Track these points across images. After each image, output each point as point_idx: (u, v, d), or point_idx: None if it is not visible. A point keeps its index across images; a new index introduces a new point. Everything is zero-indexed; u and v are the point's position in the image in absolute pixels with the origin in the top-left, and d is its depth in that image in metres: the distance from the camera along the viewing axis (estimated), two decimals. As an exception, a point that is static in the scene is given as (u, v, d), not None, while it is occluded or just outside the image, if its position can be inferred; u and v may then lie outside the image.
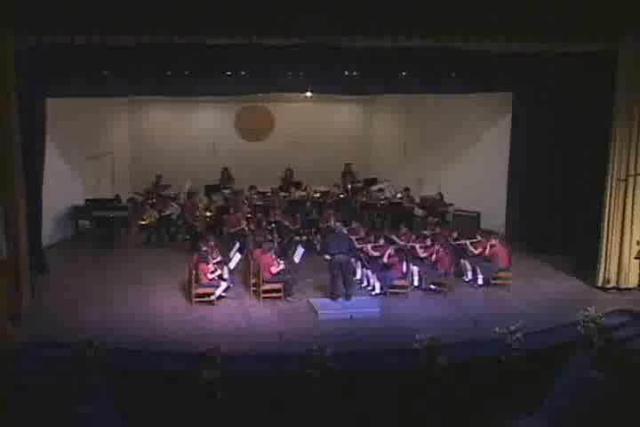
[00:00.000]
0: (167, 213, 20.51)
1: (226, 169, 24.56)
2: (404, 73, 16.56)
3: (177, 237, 20.57)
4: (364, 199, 22.60)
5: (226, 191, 22.91)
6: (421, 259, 16.67)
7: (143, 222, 20.15)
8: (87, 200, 20.75)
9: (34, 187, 15.43)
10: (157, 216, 20.17)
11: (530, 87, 18.53)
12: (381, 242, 16.64)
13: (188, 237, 19.76)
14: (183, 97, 22.84)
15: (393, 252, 16.03)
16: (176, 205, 20.97)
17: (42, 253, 16.76)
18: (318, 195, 22.86)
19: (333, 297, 15.24)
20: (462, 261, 17.11)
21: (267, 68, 15.75)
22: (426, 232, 18.06)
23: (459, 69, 16.46)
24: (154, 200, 21.44)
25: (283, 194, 22.72)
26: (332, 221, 18.79)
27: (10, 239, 13.78)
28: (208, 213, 20.21)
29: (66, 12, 13.39)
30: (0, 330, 12.79)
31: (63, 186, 19.51)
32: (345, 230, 16.73)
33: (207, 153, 25.14)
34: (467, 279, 16.95)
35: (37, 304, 14.61)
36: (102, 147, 22.59)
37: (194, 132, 25.52)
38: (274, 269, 15.42)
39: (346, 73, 16.48)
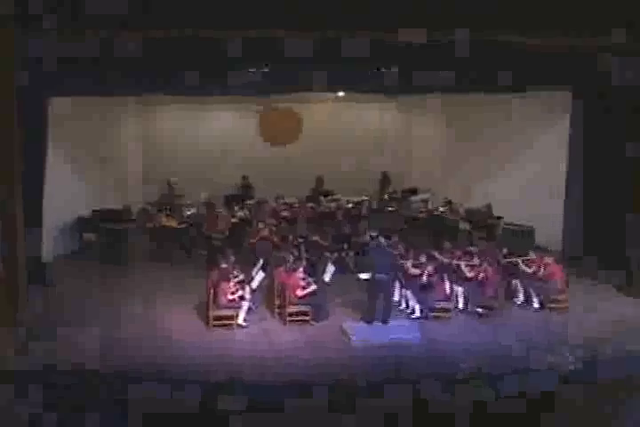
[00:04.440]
0: (184, 225, 20.71)
1: (245, 178, 24.74)
2: (446, 70, 16.61)
3: (192, 252, 20.77)
4: (404, 211, 22.65)
5: (249, 202, 23.08)
6: (467, 279, 16.68)
7: (166, 224, 20.34)
8: (94, 211, 21.06)
9: (34, 197, 15.72)
10: (174, 226, 20.37)
11: (591, 86, 18.42)
12: (422, 259, 16.69)
13: (205, 252, 19.94)
14: (199, 97, 23.07)
15: (434, 270, 16.09)
16: (190, 212, 21.18)
17: (43, 269, 17.02)
18: (351, 206, 22.96)
19: (368, 321, 15.34)
20: (513, 281, 17.11)
21: (293, 65, 15.88)
22: (472, 249, 18.06)
23: (507, 65, 16.46)
24: (167, 211, 21.63)
25: (311, 205, 22.87)
26: (368, 236, 18.86)
27: (5, 252, 14.04)
28: (229, 227, 20.36)
29: (70, 6, 13.59)
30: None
31: (67, 196, 19.79)
32: (387, 245, 16.75)
33: (226, 159, 25.40)
34: (518, 302, 16.94)
35: (37, 324, 14.79)
36: (111, 151, 22.89)
37: (211, 136, 25.79)
38: (300, 293, 15.52)
39: (382, 70, 16.59)
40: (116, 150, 23.47)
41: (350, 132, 26.45)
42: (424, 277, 16.02)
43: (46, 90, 15.80)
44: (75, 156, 20.31)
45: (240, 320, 15.25)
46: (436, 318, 15.88)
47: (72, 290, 17.39)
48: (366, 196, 24.01)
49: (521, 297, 16.97)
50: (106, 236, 20.28)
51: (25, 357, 13.37)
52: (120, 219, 20.76)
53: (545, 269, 16.67)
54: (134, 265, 19.96)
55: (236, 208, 21.90)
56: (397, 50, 15.58)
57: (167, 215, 20.75)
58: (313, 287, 15.62)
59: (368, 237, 19.06)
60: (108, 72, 15.51)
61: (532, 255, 17.26)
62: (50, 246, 18.50)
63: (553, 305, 16.50)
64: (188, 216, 21.20)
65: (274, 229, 19.95)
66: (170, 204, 22.82)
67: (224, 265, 15.95)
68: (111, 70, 15.45)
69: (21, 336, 13.87)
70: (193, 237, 20.83)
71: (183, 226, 20.66)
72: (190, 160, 25.24)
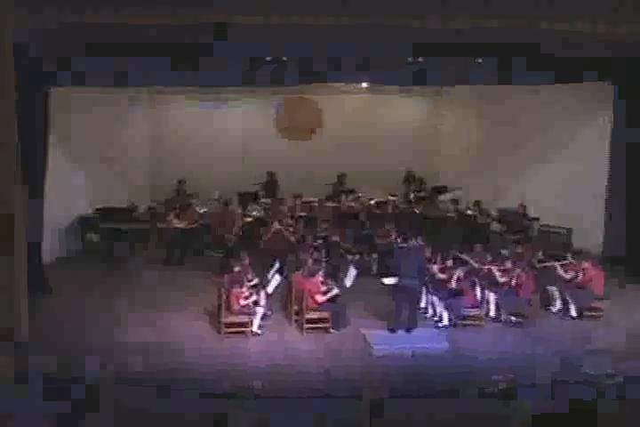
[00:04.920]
0: (195, 225, 20.80)
1: (271, 175, 24.79)
2: (479, 60, 16.58)
3: (203, 254, 20.85)
4: (431, 211, 22.63)
5: (265, 201, 23.13)
6: (499, 284, 16.63)
7: (177, 225, 20.42)
8: (97, 210, 21.16)
9: (34, 193, 15.79)
10: (183, 226, 20.47)
11: (635, 76, 18.33)
12: (451, 263, 16.71)
13: (218, 252, 19.98)
14: (212, 87, 23.14)
15: (463, 275, 16.09)
16: (205, 209, 21.28)
17: (43, 272, 17.11)
18: (375, 205, 22.98)
19: (392, 328, 15.35)
20: (549, 287, 17.08)
21: (314, 53, 15.89)
22: (505, 252, 18.04)
23: (546, 55, 16.40)
24: (177, 210, 21.67)
25: (332, 204, 22.89)
26: (392, 237, 18.88)
27: (3, 255, 14.07)
28: (243, 228, 20.43)
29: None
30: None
31: (69, 193, 19.95)
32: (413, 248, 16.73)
33: (240, 155, 25.47)
34: (554, 310, 16.91)
35: (37, 331, 14.80)
36: (117, 147, 23.01)
37: (225, 131, 25.87)
38: (320, 298, 15.55)
39: (409, 59, 16.59)
40: (122, 145, 23.58)
41: (374, 126, 26.47)
42: (453, 283, 16.02)
43: (46, 79, 15.88)
44: (77, 151, 20.43)
45: (254, 327, 15.29)
46: (466, 326, 15.88)
47: (73, 295, 17.50)
48: (393, 195, 24.00)
49: (557, 305, 16.94)
50: (109, 236, 20.40)
51: (24, 370, 13.46)
52: (125, 218, 20.86)
53: (583, 275, 16.60)
54: (140, 268, 20.06)
55: (249, 208, 21.92)
56: (427, 37, 15.55)
57: (177, 215, 20.81)
58: (334, 292, 15.63)
59: (393, 239, 19.05)
60: (113, 60, 15.55)
61: (570, 259, 17.22)
62: (50, 248, 18.58)
63: (592, 314, 16.45)
64: (201, 215, 21.24)
65: (291, 229, 19.96)
66: (180, 203, 22.86)
67: (237, 268, 16.01)
68: (116, 58, 15.50)
69: (22, 350, 13.91)
70: (204, 237, 20.86)
71: (194, 225, 20.70)
72: (202, 156, 25.31)
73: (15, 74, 13.81)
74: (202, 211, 21.61)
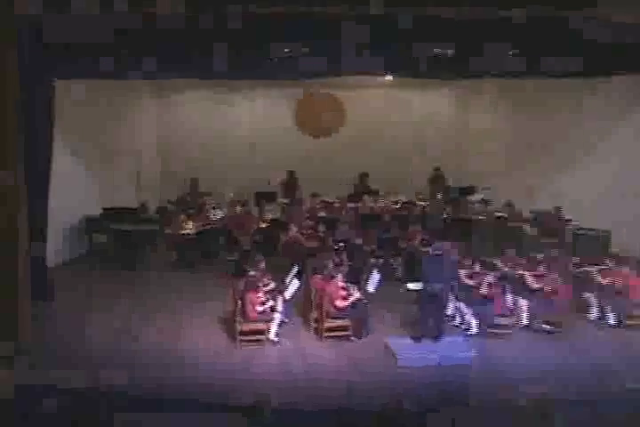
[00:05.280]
0: (209, 226, 20.80)
1: (291, 174, 24.79)
2: (511, 52, 16.49)
3: (218, 255, 20.87)
4: (459, 213, 22.58)
5: (283, 201, 23.12)
6: (532, 291, 16.58)
7: (184, 231, 20.45)
8: (105, 210, 21.18)
9: (38, 193, 15.82)
10: (195, 230, 20.48)
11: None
12: (479, 268, 16.67)
13: (233, 257, 20.00)
14: (226, 80, 23.14)
15: (493, 280, 16.02)
16: (219, 215, 21.26)
17: (46, 276, 17.15)
18: (399, 206, 22.94)
19: (417, 337, 15.29)
20: (586, 294, 17.00)
21: (335, 44, 15.84)
22: (538, 256, 17.96)
23: (580, 46, 16.28)
24: (190, 210, 21.68)
25: (354, 205, 22.86)
26: (419, 240, 18.83)
27: (5, 258, 14.09)
28: (260, 227, 20.42)
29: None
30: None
31: (75, 192, 19.98)
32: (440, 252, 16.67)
33: (257, 152, 25.49)
34: (591, 318, 16.83)
35: (40, 339, 14.89)
36: (125, 144, 23.06)
37: (240, 126, 25.89)
38: (340, 304, 15.50)
39: (436, 50, 16.53)
40: (129, 142, 23.66)
41: (399, 122, 26.44)
42: (482, 289, 15.96)
43: (50, 72, 15.88)
44: (83, 147, 20.50)
45: (271, 335, 15.27)
46: (496, 335, 15.79)
47: (78, 300, 17.53)
48: (422, 196, 23.94)
49: (594, 312, 16.86)
50: (117, 238, 20.43)
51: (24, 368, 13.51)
52: (134, 219, 20.90)
53: (623, 281, 16.51)
54: (150, 271, 20.12)
55: (266, 208, 21.92)
56: (454, 27, 15.49)
57: (189, 216, 20.82)
58: (356, 296, 15.56)
59: (418, 242, 18.99)
60: (120, 51, 15.52)
61: (608, 264, 17.12)
62: (55, 250, 18.62)
63: (631, 322, 16.34)
64: (214, 221, 21.20)
65: (310, 231, 19.94)
66: (193, 202, 22.89)
67: (253, 272, 15.98)
68: (124, 49, 15.47)
69: (22, 364, 13.92)
70: (218, 239, 20.88)
71: (207, 227, 20.70)
72: (215, 153, 25.36)
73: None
74: (217, 216, 21.50)
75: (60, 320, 16.22)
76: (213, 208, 22.08)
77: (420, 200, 23.77)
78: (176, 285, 18.93)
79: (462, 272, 16.58)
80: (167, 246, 21.24)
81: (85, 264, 20.49)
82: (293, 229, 19.57)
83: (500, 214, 22.36)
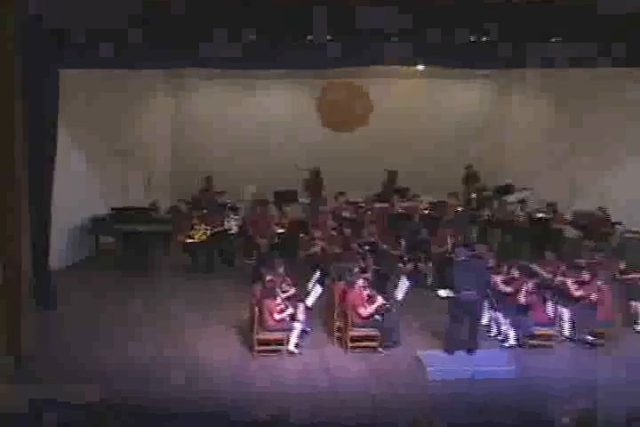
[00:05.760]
0: (224, 227, 20.84)
1: (316, 172, 24.79)
2: (553, 38, 16.43)
3: (234, 261, 20.92)
4: (495, 214, 22.54)
5: (304, 200, 23.14)
6: (575, 299, 16.52)
7: (190, 240, 20.51)
8: (113, 210, 21.28)
9: (40, 192, 15.92)
10: (210, 232, 20.51)
11: None
12: (516, 273, 16.62)
13: (251, 260, 20.02)
14: (244, 71, 23.19)
15: (532, 287, 15.98)
16: (236, 217, 21.30)
17: (50, 280, 17.23)
18: (430, 207, 22.92)
19: (450, 349, 15.28)
20: (633, 303, 16.93)
21: (361, 31, 15.85)
22: (581, 261, 17.93)
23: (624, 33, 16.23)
24: (204, 211, 21.73)
25: (381, 205, 22.85)
26: (450, 244, 18.83)
27: (5, 262, 14.11)
28: (279, 231, 20.47)
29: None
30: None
31: (80, 190, 20.10)
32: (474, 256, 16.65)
33: (276, 148, 25.52)
34: (639, 329, 16.79)
35: (42, 349, 14.93)
36: (134, 139, 23.14)
37: (258, 120, 25.91)
38: (364, 311, 15.48)
39: (471, 38, 16.51)
40: (140, 137, 23.73)
41: (430, 115, 26.42)
42: (521, 297, 15.91)
43: (54, 60, 15.91)
44: (89, 143, 20.60)
45: (291, 346, 15.27)
46: (535, 347, 15.76)
47: (84, 306, 17.62)
48: (456, 196, 23.90)
49: (643, 323, 16.82)
50: (126, 239, 20.52)
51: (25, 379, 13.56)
52: (144, 219, 21.00)
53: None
54: (161, 275, 20.22)
55: (288, 208, 21.95)
56: (493, 10, 15.46)
57: (201, 216, 20.88)
58: (379, 302, 15.54)
59: (451, 246, 18.98)
60: (130, 37, 15.56)
61: (659, 271, 17.11)
62: (59, 253, 18.70)
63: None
64: (229, 229, 21.22)
65: (334, 233, 19.95)
66: (207, 202, 22.92)
67: (271, 277, 15.98)
68: (134, 35, 15.51)
69: (23, 378, 13.96)
70: (235, 241, 20.94)
71: (220, 229, 20.77)
72: (231, 150, 25.42)
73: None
74: (234, 222, 21.49)
75: (64, 330, 16.28)
76: (229, 208, 22.04)
77: (456, 200, 23.68)
78: (189, 290, 19.01)
79: (498, 278, 16.53)
80: (180, 248, 21.26)
81: (91, 268, 20.59)
82: (318, 233, 19.54)
83: (540, 215, 22.28)
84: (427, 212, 22.75)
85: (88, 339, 15.72)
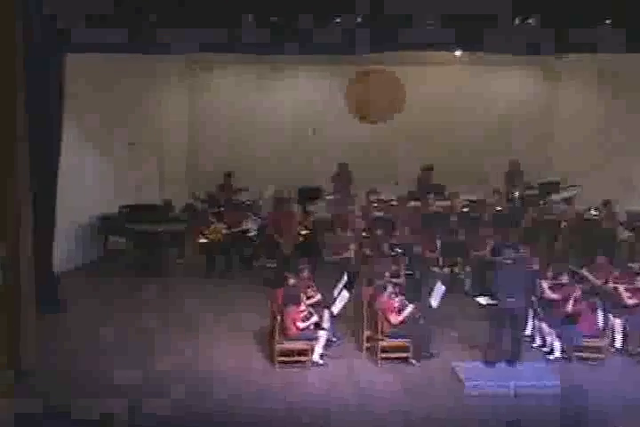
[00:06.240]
0: (243, 227, 20.83)
1: (344, 167, 24.76)
2: (607, 20, 16.33)
3: (254, 264, 20.94)
4: (540, 214, 22.44)
5: (330, 198, 23.10)
6: (627, 307, 16.39)
7: (205, 240, 20.51)
8: (123, 208, 21.30)
9: (44, 188, 15.98)
10: (227, 231, 20.49)
11: None
12: (565, 279, 16.52)
13: (272, 264, 20.03)
14: (266, 57, 23.16)
15: (581, 295, 15.87)
16: (256, 218, 21.29)
17: (55, 284, 17.25)
18: (469, 206, 22.86)
19: (490, 361, 15.21)
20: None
21: (394, 14, 15.81)
22: (635, 266, 17.81)
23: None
24: (221, 209, 21.73)
25: (415, 204, 22.79)
26: (490, 246, 18.77)
27: (6, 264, 14.08)
28: (303, 231, 20.44)
29: None
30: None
31: (88, 188, 20.15)
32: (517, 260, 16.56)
33: (301, 141, 25.49)
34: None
35: (46, 358, 14.92)
36: (147, 131, 23.16)
37: (281, 111, 25.89)
38: (394, 318, 15.40)
39: (517, 21, 16.43)
40: (153, 130, 23.74)
41: (470, 105, 26.29)
42: (568, 305, 15.80)
43: (60, 44, 15.94)
44: (98, 136, 20.63)
45: (315, 356, 15.21)
46: (584, 360, 15.64)
47: (92, 313, 17.67)
48: (498, 192, 23.82)
49: None
50: (138, 240, 20.56)
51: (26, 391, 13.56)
52: (157, 218, 21.02)
53: None
54: (174, 279, 20.28)
55: (312, 206, 21.93)
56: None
57: (218, 214, 20.88)
58: (409, 309, 15.49)
59: (491, 249, 18.91)
60: (141, 21, 15.58)
61: None
62: (64, 255, 18.72)
63: None
64: (247, 230, 21.21)
65: (363, 234, 19.91)
66: (226, 200, 22.92)
67: (293, 281, 15.94)
68: (146, 18, 15.52)
69: (27, 385, 13.97)
70: (256, 242, 20.94)
71: (238, 229, 20.76)
72: (252, 143, 25.41)
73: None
74: (253, 225, 21.48)
75: (70, 337, 16.31)
76: (249, 207, 22.03)
77: (497, 199, 23.59)
78: (206, 295, 19.05)
79: (544, 284, 16.42)
80: (196, 250, 21.27)
81: (100, 271, 20.68)
82: (349, 232, 19.54)
83: (592, 214, 22.16)
84: (465, 211, 22.65)
85: (96, 347, 15.71)
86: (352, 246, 19.60)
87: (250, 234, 21.10)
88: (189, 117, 26.03)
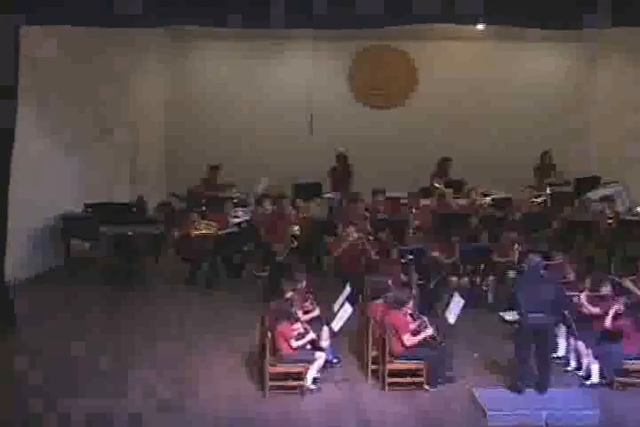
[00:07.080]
0: (230, 230, 20.82)
1: (343, 158, 24.73)
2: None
3: (243, 272, 20.96)
4: (576, 214, 22.43)
5: (331, 196, 23.09)
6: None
7: (198, 232, 20.48)
8: (88, 206, 21.25)
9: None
10: (215, 230, 20.52)
11: None
12: (605, 290, 16.41)
13: (263, 270, 19.99)
14: (258, 31, 23.06)
15: (624, 309, 15.80)
16: (244, 212, 21.30)
17: (7, 296, 17.23)
18: (492, 205, 22.85)
19: (516, 387, 15.15)
20: None
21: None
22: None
23: None
24: (204, 207, 21.68)
25: (430, 202, 22.77)
26: (517, 251, 18.76)
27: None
28: (296, 232, 20.41)
29: None
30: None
31: (47, 182, 20.08)
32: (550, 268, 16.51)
33: (298, 128, 25.49)
34: None
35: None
36: (118, 116, 23.13)
37: (276, 92, 25.89)
38: (408, 340, 15.30)
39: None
40: (125, 114, 23.70)
41: (493, 88, 26.30)
42: (608, 321, 15.73)
43: (17, 14, 15.89)
44: (60, 122, 20.53)
45: (308, 381, 15.07)
46: (627, 386, 15.53)
47: (51, 329, 17.54)
48: (531, 189, 23.81)
49: None
50: (106, 244, 20.47)
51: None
52: (129, 218, 21.00)
53: None
54: (151, 290, 20.28)
55: (310, 205, 21.91)
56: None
57: (203, 215, 20.87)
58: (428, 332, 15.41)
59: (518, 255, 18.87)
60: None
61: None
62: (18, 262, 18.68)
63: None
64: (238, 224, 21.25)
65: (369, 238, 19.90)
66: (209, 197, 22.90)
67: (289, 293, 15.88)
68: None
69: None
70: (245, 246, 20.94)
71: (229, 231, 20.73)
72: (242, 131, 25.42)
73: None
74: (239, 219, 21.48)
75: (27, 357, 16.07)
76: (236, 204, 22.04)
77: (527, 196, 23.58)
78: (187, 309, 19.03)
79: (582, 297, 16.33)
80: (175, 256, 21.25)
81: (61, 280, 20.57)
82: (354, 232, 19.51)
83: (635, 214, 22.15)
84: (488, 210, 22.63)
85: (59, 369, 15.56)
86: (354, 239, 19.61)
87: (238, 220, 21.16)
88: (169, 99, 25.99)
